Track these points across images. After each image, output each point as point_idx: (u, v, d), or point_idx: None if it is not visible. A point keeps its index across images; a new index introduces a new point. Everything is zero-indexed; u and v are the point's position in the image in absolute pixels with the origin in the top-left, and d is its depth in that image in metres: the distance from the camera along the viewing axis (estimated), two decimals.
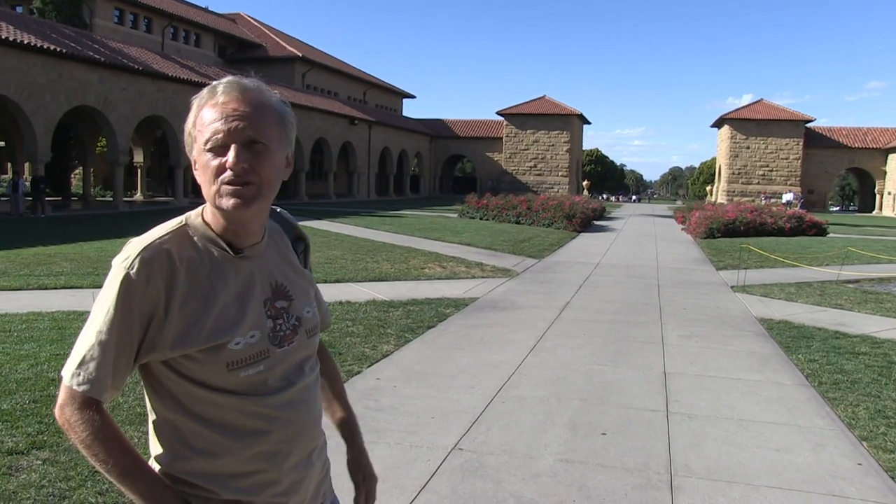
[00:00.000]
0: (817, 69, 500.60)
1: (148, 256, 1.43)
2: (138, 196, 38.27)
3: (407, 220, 27.40)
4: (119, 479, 1.43)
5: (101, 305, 1.44)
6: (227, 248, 1.52)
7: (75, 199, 35.18)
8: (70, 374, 1.44)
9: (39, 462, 4.06)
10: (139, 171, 38.85)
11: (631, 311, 10.03)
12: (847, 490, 4.20)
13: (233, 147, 1.44)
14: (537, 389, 6.04)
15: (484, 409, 5.44)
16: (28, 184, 25.28)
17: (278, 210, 1.72)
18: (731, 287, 12.81)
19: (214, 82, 1.51)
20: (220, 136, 1.45)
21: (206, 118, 1.47)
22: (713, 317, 9.79)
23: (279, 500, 1.56)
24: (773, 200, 45.22)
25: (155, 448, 1.55)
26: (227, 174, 1.44)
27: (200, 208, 1.56)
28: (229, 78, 1.52)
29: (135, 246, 1.46)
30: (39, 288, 9.71)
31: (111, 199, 32.11)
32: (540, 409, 5.53)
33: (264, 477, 1.53)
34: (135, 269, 1.42)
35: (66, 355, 5.68)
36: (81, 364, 1.43)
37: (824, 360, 7.27)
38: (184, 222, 1.53)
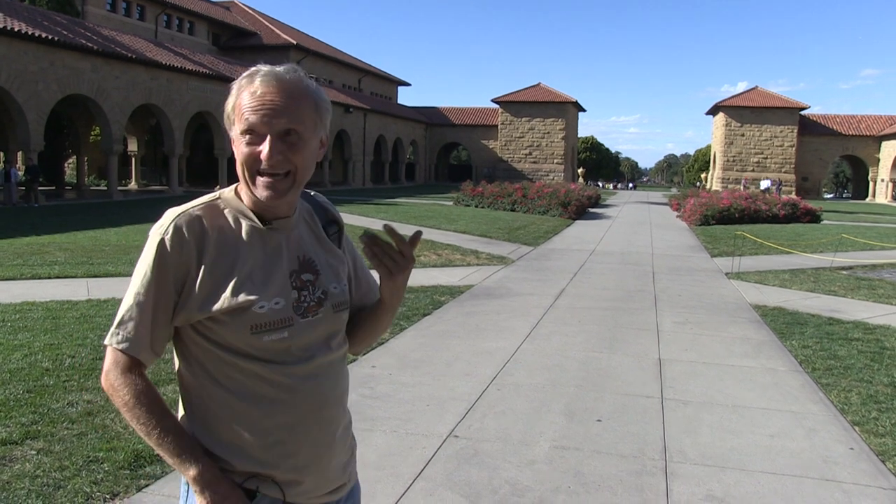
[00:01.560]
0: (812, 57, 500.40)
1: (181, 223, 1.54)
2: (133, 185, 38.10)
3: (402, 207, 27.36)
4: (157, 442, 1.50)
5: (139, 270, 1.55)
6: (257, 221, 1.59)
7: (69, 188, 35.01)
8: (110, 334, 1.54)
9: (34, 452, 4.05)
10: (133, 159, 38.69)
11: (626, 299, 10.05)
12: (839, 474, 4.22)
13: (268, 138, 1.51)
14: (533, 376, 6.05)
15: (479, 397, 5.45)
16: (21, 173, 25.13)
17: (312, 193, 1.79)
18: (726, 274, 12.84)
19: (253, 69, 1.56)
20: (256, 125, 1.51)
21: (244, 104, 1.53)
22: (708, 304, 9.81)
23: (296, 476, 1.60)
24: (750, 188, 45.55)
25: (183, 416, 1.63)
26: (263, 165, 1.52)
27: (234, 185, 1.64)
28: (267, 68, 1.56)
29: (170, 214, 1.56)
30: (33, 278, 9.67)
31: (105, 188, 31.97)
32: (535, 395, 5.54)
33: (283, 449, 1.57)
34: (169, 235, 1.52)
35: (59, 345, 5.71)
36: (120, 324, 1.53)
37: (818, 346, 7.30)
38: (218, 196, 1.63)
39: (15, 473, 3.77)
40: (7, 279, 9.49)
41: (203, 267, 1.53)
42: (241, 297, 1.52)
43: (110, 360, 1.54)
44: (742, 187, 46.23)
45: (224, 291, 1.52)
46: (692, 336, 7.77)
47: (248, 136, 1.52)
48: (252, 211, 1.59)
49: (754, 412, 5.31)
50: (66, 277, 9.80)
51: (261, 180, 1.53)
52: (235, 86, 1.56)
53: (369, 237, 1.62)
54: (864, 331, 8.08)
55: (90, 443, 4.20)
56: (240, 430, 1.56)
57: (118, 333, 1.53)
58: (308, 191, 1.75)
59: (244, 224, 1.58)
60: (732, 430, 4.93)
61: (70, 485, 3.67)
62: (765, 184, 45.21)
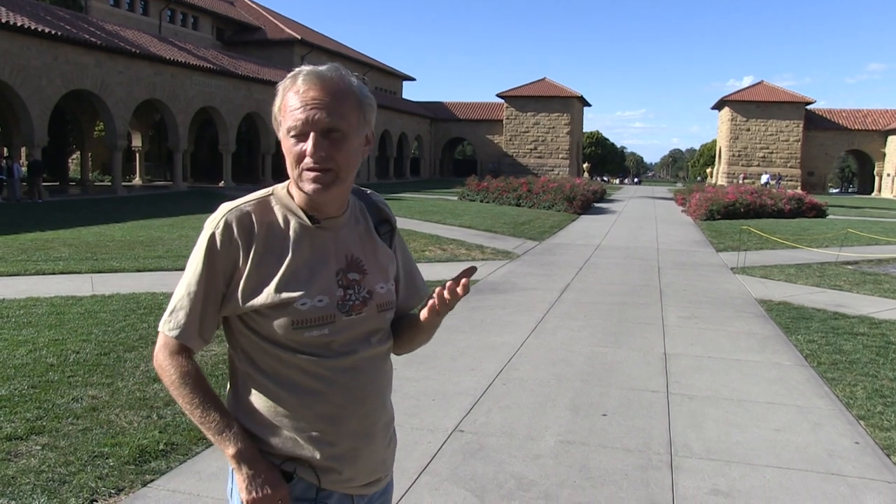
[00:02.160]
0: (818, 51, 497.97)
1: (232, 218, 1.61)
2: (137, 180, 38.14)
3: (407, 202, 27.33)
4: (200, 419, 1.59)
5: (192, 262, 1.63)
6: (305, 219, 1.65)
7: (73, 183, 35.12)
8: (163, 322, 1.63)
9: (38, 447, 4.05)
10: (138, 155, 38.72)
11: (631, 293, 10.02)
12: (844, 468, 4.21)
13: (311, 136, 1.56)
14: (538, 371, 6.04)
15: (484, 391, 5.44)
16: (24, 169, 25.16)
17: (368, 192, 1.83)
18: (731, 268, 12.81)
19: (297, 69, 1.62)
20: (299, 124, 1.56)
21: (289, 105, 1.58)
22: (713, 298, 9.78)
23: (334, 465, 1.64)
24: (750, 181, 45.82)
25: (229, 397, 1.73)
26: (307, 161, 1.57)
27: (287, 182, 1.70)
28: (310, 67, 1.62)
29: (223, 209, 1.64)
30: (37, 273, 9.68)
31: (109, 183, 32.03)
32: (540, 390, 5.53)
33: (321, 438, 1.63)
34: (220, 230, 1.60)
35: (64, 341, 5.71)
36: (172, 313, 1.62)
37: (823, 340, 7.27)
38: (270, 193, 1.69)
39: (20, 468, 3.77)
40: (11, 275, 9.50)
41: (250, 261, 1.59)
42: (284, 294, 1.58)
43: (161, 342, 1.64)
44: (741, 181, 46.38)
45: (268, 287, 1.58)
46: (698, 330, 7.75)
47: (293, 135, 1.58)
48: (302, 209, 1.64)
49: (760, 406, 5.30)
50: (70, 273, 9.81)
51: (307, 175, 1.58)
52: (280, 87, 1.62)
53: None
54: (870, 325, 8.05)
55: (95, 438, 4.20)
56: (280, 417, 1.62)
57: (170, 321, 1.62)
58: (364, 189, 1.81)
59: (293, 221, 1.64)
60: (738, 424, 4.92)
61: (75, 480, 3.67)
62: (764, 178, 45.34)
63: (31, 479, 3.66)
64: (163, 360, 1.63)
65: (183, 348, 1.62)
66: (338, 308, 1.63)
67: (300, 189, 1.62)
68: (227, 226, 1.60)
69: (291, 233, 1.63)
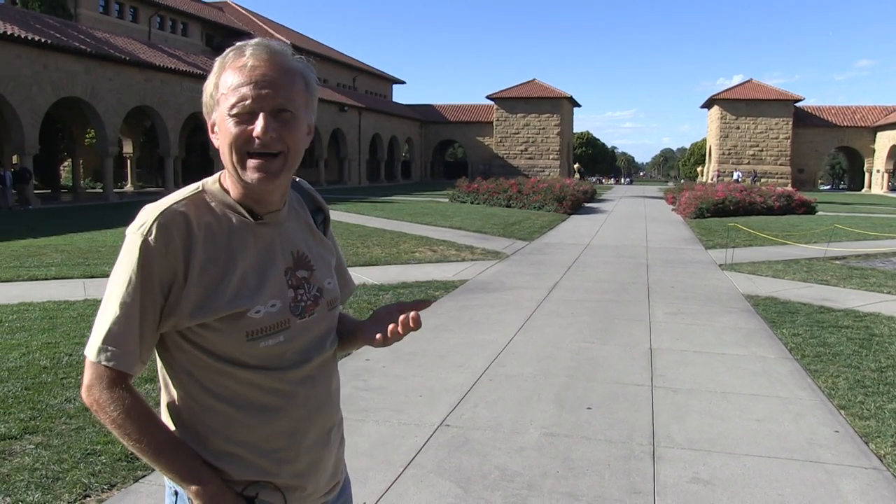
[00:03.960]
0: (807, 49, 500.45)
1: (165, 221, 1.39)
2: (129, 187, 38.14)
3: (398, 205, 27.41)
4: (153, 458, 1.40)
5: (120, 275, 1.39)
6: (247, 215, 1.47)
7: (65, 191, 35.08)
8: (96, 350, 1.38)
9: (32, 446, 4.12)
10: (129, 161, 38.70)
11: (619, 291, 10.13)
12: (823, 456, 4.31)
13: (261, 115, 1.39)
14: (524, 367, 6.13)
15: (471, 387, 5.53)
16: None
17: (297, 180, 1.66)
18: (720, 265, 12.92)
19: (240, 43, 1.44)
20: (247, 102, 1.39)
21: (232, 81, 1.40)
22: (700, 294, 9.89)
23: (297, 482, 1.53)
24: (722, 178, 46.74)
25: (170, 427, 1.50)
26: (255, 143, 1.39)
27: (217, 174, 1.51)
28: (258, 40, 1.45)
29: (150, 211, 1.41)
30: (30, 279, 9.73)
31: (101, 190, 32.00)
32: (527, 385, 5.62)
33: (282, 456, 1.50)
34: (153, 235, 1.38)
35: (57, 344, 5.76)
36: (107, 338, 1.38)
37: (808, 333, 7.38)
38: (201, 188, 1.48)
39: (14, 466, 3.84)
40: (4, 281, 9.55)
41: (191, 269, 1.40)
42: (236, 303, 1.41)
43: (92, 374, 1.39)
44: (716, 179, 46.99)
45: (216, 297, 1.40)
46: (684, 326, 7.85)
47: (237, 114, 1.39)
48: (240, 204, 1.46)
49: (743, 398, 5.39)
50: (62, 278, 9.85)
51: (251, 162, 1.40)
52: (218, 62, 1.45)
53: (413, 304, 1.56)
54: (854, 318, 8.17)
55: (88, 436, 4.27)
56: (235, 440, 1.47)
57: (106, 350, 1.37)
58: (293, 177, 1.60)
59: (233, 219, 1.46)
60: (720, 415, 5.01)
61: (68, 476, 3.75)
62: (736, 174, 46.11)
63: (25, 476, 3.73)
64: (98, 395, 1.38)
65: (121, 378, 1.39)
66: (291, 311, 1.49)
67: (241, 178, 1.43)
68: (162, 230, 1.38)
69: (233, 232, 1.45)
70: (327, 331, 1.59)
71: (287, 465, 1.50)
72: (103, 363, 1.37)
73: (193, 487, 1.41)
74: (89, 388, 1.39)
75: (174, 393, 1.49)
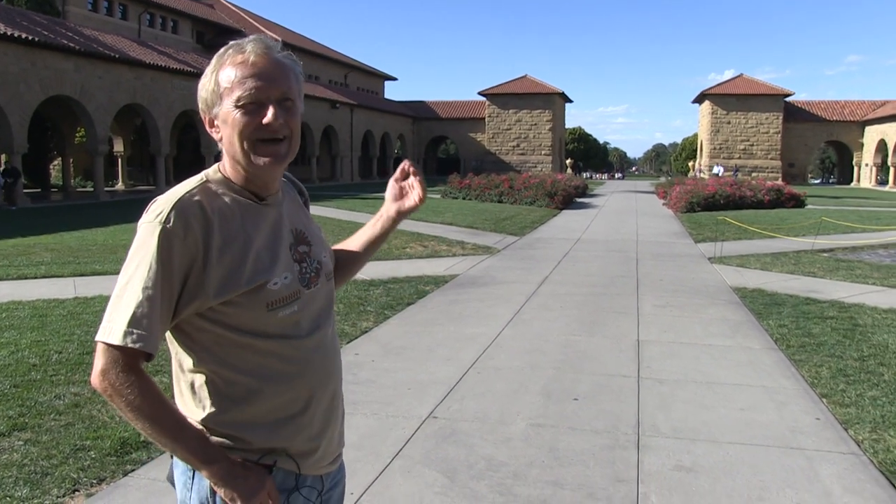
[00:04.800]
0: (798, 44, 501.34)
1: (182, 209, 1.48)
2: (120, 185, 37.95)
3: None
4: (171, 440, 1.47)
5: (141, 262, 1.46)
6: (254, 198, 1.60)
7: (55, 190, 34.93)
8: (121, 334, 1.43)
9: (21, 443, 4.15)
10: (120, 160, 38.51)
11: (608, 284, 10.19)
12: (804, 443, 4.38)
13: (270, 105, 1.52)
14: (512, 360, 6.18)
15: (459, 380, 5.58)
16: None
17: None
18: (709, 259, 13.00)
19: (239, 41, 1.56)
20: (254, 93, 1.51)
21: (235, 76, 1.52)
22: (689, 287, 9.96)
23: (312, 445, 1.65)
24: (701, 174, 47.41)
25: (187, 407, 1.59)
26: (265, 132, 1.53)
27: (216, 165, 1.63)
28: (255, 37, 1.58)
29: (166, 201, 1.50)
30: (20, 278, 9.72)
31: (92, 189, 31.91)
32: (514, 378, 5.67)
33: (298, 421, 1.61)
34: (171, 223, 1.46)
35: (46, 342, 5.76)
36: (132, 322, 1.43)
37: (793, 324, 7.46)
38: (205, 179, 1.59)
39: (2, 463, 3.87)
40: None
41: (210, 253, 1.49)
42: (256, 277, 1.52)
43: (108, 358, 1.44)
44: (696, 174, 47.65)
45: (238, 274, 1.51)
46: (672, 318, 7.91)
47: (244, 105, 1.52)
48: (245, 189, 1.59)
49: (727, 388, 5.46)
50: (52, 277, 9.85)
51: (262, 148, 1.54)
52: (216, 59, 1.56)
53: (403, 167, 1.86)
54: (839, 309, 8.25)
55: (77, 432, 4.30)
56: (255, 409, 1.56)
57: (132, 332, 1.42)
58: None
59: (242, 202, 1.58)
60: (705, 405, 5.08)
61: (57, 472, 3.77)
62: (715, 169, 46.82)
63: (14, 472, 3.75)
64: (115, 378, 1.44)
65: (137, 361, 1.45)
66: (300, 282, 1.62)
67: (251, 164, 1.56)
68: (181, 218, 1.47)
69: (244, 215, 1.57)
70: (328, 301, 1.72)
71: (302, 430, 1.61)
72: (129, 345, 1.42)
73: (212, 467, 1.50)
74: (104, 372, 1.44)
75: (193, 373, 1.57)
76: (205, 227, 1.49)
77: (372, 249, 1.97)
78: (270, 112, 1.52)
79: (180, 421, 1.50)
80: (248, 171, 1.58)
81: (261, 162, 1.54)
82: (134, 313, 1.43)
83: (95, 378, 1.46)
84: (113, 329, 1.44)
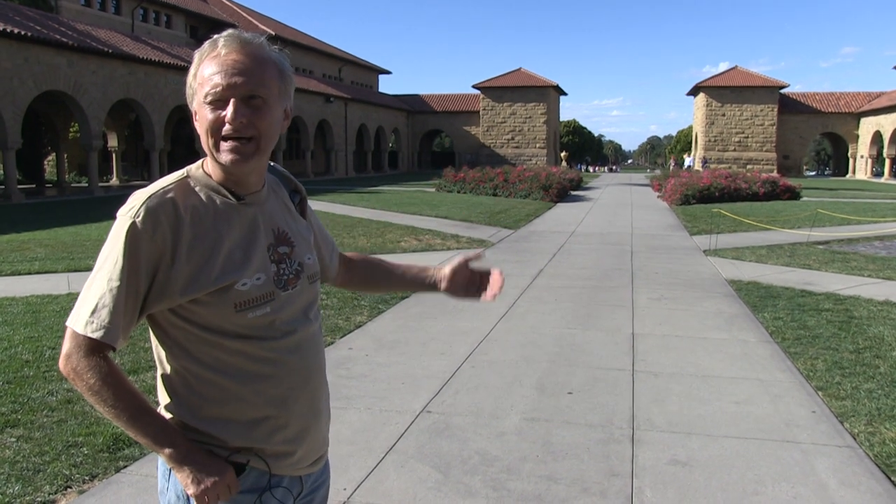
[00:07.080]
0: (793, 36, 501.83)
1: (153, 205, 1.48)
2: (114, 181, 37.86)
3: (384, 195, 27.37)
4: (128, 424, 1.48)
5: (109, 255, 1.48)
6: (230, 196, 1.57)
7: (50, 185, 34.81)
8: (84, 322, 1.47)
9: (13, 439, 4.12)
10: (114, 155, 38.41)
11: (603, 277, 10.18)
12: (799, 436, 4.37)
13: (232, 101, 1.49)
14: (506, 353, 6.17)
15: (453, 374, 5.56)
16: None
17: (272, 164, 1.75)
18: (704, 251, 13.00)
19: (216, 35, 1.54)
20: (218, 89, 1.49)
21: (206, 71, 1.51)
22: (684, 280, 9.96)
23: (288, 448, 1.63)
24: (679, 165, 48.67)
25: (164, 399, 1.61)
26: (226, 128, 1.50)
27: (200, 161, 1.62)
28: (230, 31, 1.55)
29: (139, 196, 1.50)
30: (13, 274, 9.67)
31: (86, 184, 31.78)
32: (508, 371, 5.66)
33: (273, 423, 1.59)
34: (140, 218, 1.47)
35: (40, 338, 5.72)
36: (94, 312, 1.46)
37: (789, 317, 7.45)
38: (185, 174, 1.58)
39: None
40: None
41: (180, 250, 1.48)
42: (224, 277, 1.50)
43: (72, 343, 1.49)
44: (671, 166, 48.55)
45: (206, 273, 1.49)
46: (667, 311, 7.91)
47: (211, 102, 1.50)
48: (223, 186, 1.56)
49: (723, 381, 5.45)
50: (46, 272, 9.80)
51: (224, 145, 1.51)
52: (197, 54, 1.55)
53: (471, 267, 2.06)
54: (835, 301, 8.25)
55: (70, 429, 4.28)
56: (228, 408, 1.56)
57: (92, 322, 1.46)
58: (269, 162, 1.71)
59: (217, 201, 1.55)
60: (700, 398, 5.07)
61: (49, 468, 3.75)
62: (688, 161, 48.01)
63: (6, 469, 3.73)
64: (76, 363, 1.48)
65: (100, 348, 1.48)
66: (275, 284, 1.58)
67: (217, 162, 1.54)
68: (150, 215, 1.47)
69: (218, 213, 1.55)
70: (309, 303, 1.69)
71: (278, 431, 1.60)
72: (90, 334, 1.46)
73: (167, 450, 1.51)
74: (68, 356, 1.49)
75: (168, 367, 1.58)
76: (175, 224, 1.49)
77: (396, 284, 2.14)
78: (230, 110, 1.49)
79: (141, 406, 1.50)
80: (222, 168, 1.56)
81: (223, 160, 1.52)
82: (97, 304, 1.47)
83: (61, 361, 1.52)
84: (79, 316, 1.49)
